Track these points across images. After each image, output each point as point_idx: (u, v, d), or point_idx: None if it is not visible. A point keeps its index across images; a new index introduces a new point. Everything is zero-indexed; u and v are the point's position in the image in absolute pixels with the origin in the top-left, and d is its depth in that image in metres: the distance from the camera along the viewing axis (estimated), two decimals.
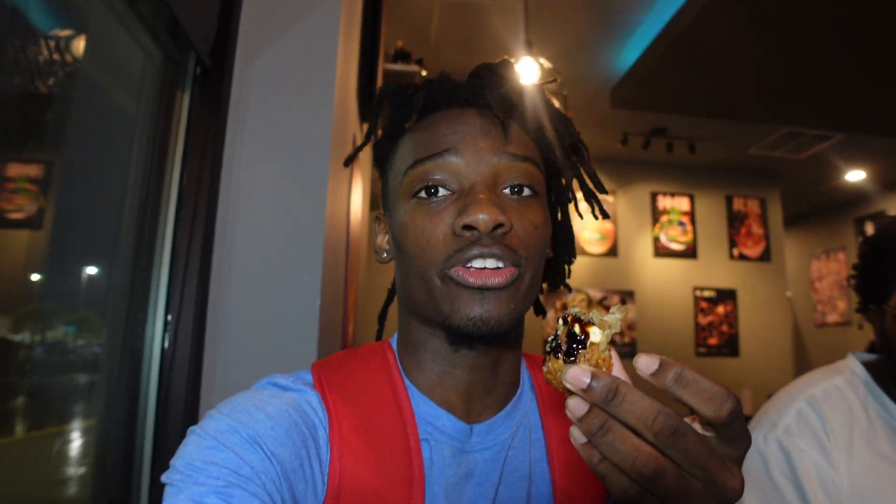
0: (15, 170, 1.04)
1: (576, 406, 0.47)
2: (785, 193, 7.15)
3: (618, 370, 0.51)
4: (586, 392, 0.46)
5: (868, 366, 1.21)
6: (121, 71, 1.30)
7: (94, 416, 1.23)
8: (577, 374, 0.46)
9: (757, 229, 6.96)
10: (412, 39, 4.31)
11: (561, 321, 0.53)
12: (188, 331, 1.31)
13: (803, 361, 7.31)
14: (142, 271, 1.30)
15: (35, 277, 1.11)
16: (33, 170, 1.07)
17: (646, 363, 0.46)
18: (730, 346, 6.57)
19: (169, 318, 1.31)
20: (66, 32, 1.08)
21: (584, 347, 0.50)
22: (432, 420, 0.71)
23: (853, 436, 1.12)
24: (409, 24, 4.30)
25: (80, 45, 1.13)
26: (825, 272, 7.99)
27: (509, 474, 0.73)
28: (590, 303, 6.40)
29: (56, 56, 1.03)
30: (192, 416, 1.29)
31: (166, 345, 1.31)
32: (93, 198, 1.25)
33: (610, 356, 0.51)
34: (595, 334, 0.50)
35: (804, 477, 1.10)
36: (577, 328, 0.51)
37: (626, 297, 6.51)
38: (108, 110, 1.28)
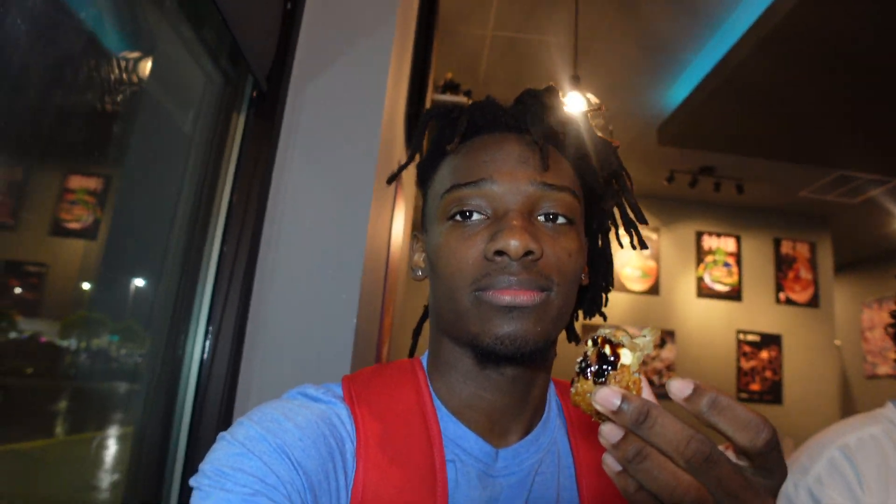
0: (76, 182, 1.10)
1: (610, 432, 0.45)
2: (836, 238, 6.93)
3: (647, 394, 0.50)
4: (616, 414, 0.45)
5: None
6: (183, 92, 1.37)
7: (131, 423, 1.26)
8: (607, 396, 0.45)
9: (805, 274, 6.75)
10: (462, 72, 4.39)
11: (590, 342, 0.52)
12: (227, 343, 1.35)
13: (850, 413, 6.96)
14: (187, 284, 1.34)
15: (86, 286, 1.15)
16: (93, 182, 1.12)
17: (679, 387, 0.45)
18: (773, 393, 6.34)
19: (210, 330, 1.35)
20: (134, 54, 1.14)
21: (615, 369, 0.49)
22: (459, 441, 0.71)
23: (889, 488, 1.08)
24: (460, 56, 4.38)
25: (146, 66, 1.19)
26: (877, 322, 7.68)
27: (535, 501, 0.72)
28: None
29: (124, 76, 1.09)
30: (225, 425, 1.32)
31: (205, 356, 1.34)
32: (146, 211, 1.31)
33: (640, 379, 0.50)
34: (626, 356, 0.50)
35: None
36: (607, 349, 0.50)
37: (667, 336, 6.37)
38: (168, 129, 1.35)
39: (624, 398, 0.45)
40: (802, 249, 6.84)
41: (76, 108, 1.00)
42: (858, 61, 3.57)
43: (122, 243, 1.23)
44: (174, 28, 1.26)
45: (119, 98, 1.10)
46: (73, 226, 1.10)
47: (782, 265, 6.75)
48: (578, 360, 0.52)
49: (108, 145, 1.14)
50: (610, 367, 0.50)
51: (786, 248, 6.82)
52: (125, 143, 1.18)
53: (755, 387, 6.33)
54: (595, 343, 0.52)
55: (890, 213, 6.39)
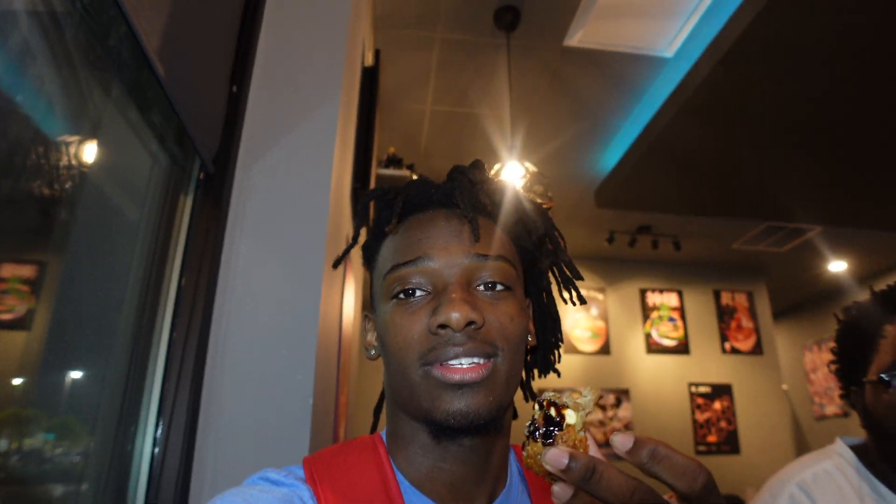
0: (8, 270, 1.05)
1: (562, 491, 0.48)
2: (772, 286, 7.25)
3: (594, 451, 0.53)
4: (565, 472, 0.47)
5: (855, 449, 1.23)
6: (128, 175, 1.35)
7: None
8: (556, 456, 0.48)
9: (747, 322, 6.99)
10: (404, 146, 4.51)
11: (537, 406, 0.55)
12: (180, 432, 1.28)
13: (803, 454, 7.09)
14: (136, 372, 1.28)
15: (18, 381, 1.09)
16: (27, 270, 1.07)
17: (621, 441, 0.48)
18: (730, 443, 6.42)
19: (161, 420, 1.29)
20: (76, 138, 1.12)
21: (561, 429, 0.52)
22: None
23: None
24: (402, 131, 4.50)
25: (90, 149, 1.17)
26: (818, 363, 7.96)
27: None
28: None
29: (65, 160, 1.07)
30: None
31: (157, 448, 1.27)
32: (89, 298, 1.26)
33: (586, 437, 0.53)
34: (570, 416, 0.53)
35: None
36: (552, 411, 0.53)
37: (622, 395, 6.41)
38: (113, 212, 1.32)
39: (571, 457, 0.48)
40: (741, 299, 7.10)
41: (11, 193, 0.97)
42: (771, 119, 3.85)
43: (62, 333, 1.17)
44: (120, 111, 1.25)
45: (58, 183, 1.07)
46: (5, 316, 1.04)
47: (724, 316, 6.98)
48: (527, 424, 0.55)
49: (47, 231, 1.10)
50: (556, 428, 0.53)
51: (725, 298, 7.07)
52: (66, 229, 1.15)
53: (712, 438, 6.39)
54: (541, 406, 0.55)
55: (817, 257, 6.75)
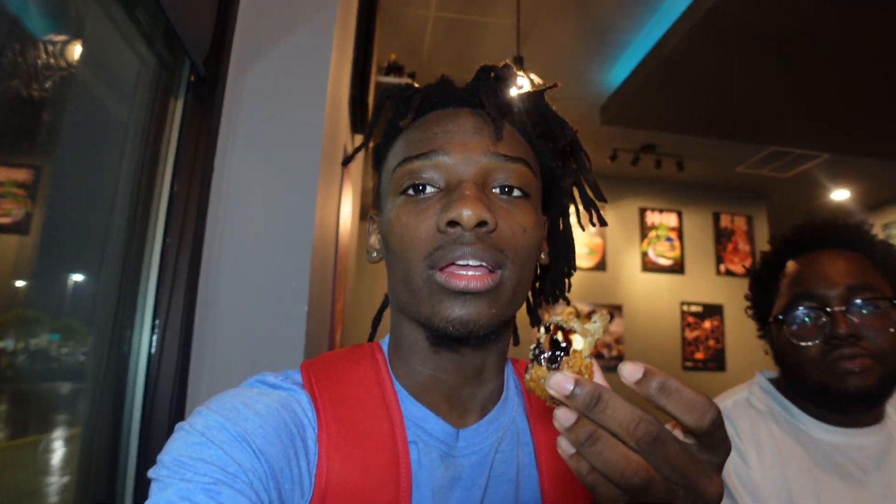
0: (2, 174, 1.04)
1: (564, 416, 0.47)
2: (772, 211, 7.22)
3: (599, 378, 0.51)
4: (569, 399, 0.46)
5: (772, 381, 1.33)
6: (115, 76, 1.31)
7: (79, 423, 1.22)
8: (560, 381, 0.47)
9: (744, 246, 7.02)
10: (405, 53, 4.35)
11: (543, 329, 0.54)
12: (175, 336, 1.31)
13: None
14: (130, 277, 1.30)
15: (20, 283, 1.10)
16: (22, 174, 1.06)
17: (630, 371, 0.46)
18: (716, 361, 6.60)
19: (156, 323, 1.31)
20: (62, 37, 1.08)
21: (567, 354, 0.51)
22: (421, 422, 0.71)
23: (761, 437, 1.20)
24: (403, 38, 4.34)
25: (75, 49, 1.13)
26: None
27: (496, 479, 0.73)
28: (578, 315, 6.40)
29: (51, 60, 1.04)
30: (178, 419, 1.29)
31: (153, 350, 1.31)
32: (82, 203, 1.25)
33: (592, 364, 0.51)
34: (577, 342, 0.51)
35: (726, 475, 1.16)
36: (559, 335, 0.52)
37: (615, 310, 6.53)
38: (101, 115, 1.29)
39: (577, 383, 0.46)
40: (740, 222, 7.10)
41: (0, 96, 0.94)
42: (786, 42, 3.70)
43: (58, 237, 1.17)
44: (104, 9, 1.20)
45: (47, 84, 1.04)
46: (2, 220, 1.04)
47: (721, 238, 6.99)
48: (532, 346, 0.54)
49: (38, 134, 1.08)
50: (563, 353, 0.51)
51: (724, 221, 7.06)
52: (56, 132, 1.13)
53: (699, 355, 6.56)
54: (547, 330, 0.53)
55: (820, 185, 6.69)
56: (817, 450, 1.17)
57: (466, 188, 0.66)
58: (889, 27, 3.46)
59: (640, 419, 0.45)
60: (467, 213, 0.63)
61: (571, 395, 0.46)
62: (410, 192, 0.70)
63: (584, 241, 6.62)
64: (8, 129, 1.00)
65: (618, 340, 6.44)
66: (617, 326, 6.52)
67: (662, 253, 6.83)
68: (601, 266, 6.68)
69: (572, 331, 0.52)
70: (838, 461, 1.15)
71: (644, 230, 6.88)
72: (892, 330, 1.11)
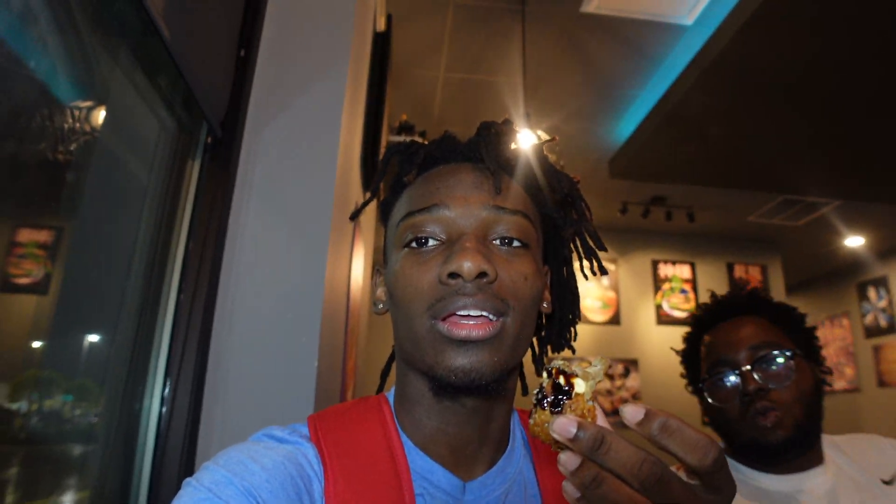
0: (25, 235, 1.07)
1: (568, 460, 0.47)
2: (786, 260, 7.17)
3: (602, 421, 0.52)
4: (573, 442, 0.47)
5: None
6: (137, 140, 1.36)
7: (88, 486, 1.21)
8: (563, 424, 0.47)
9: None
10: (416, 113, 4.47)
11: (545, 374, 0.54)
12: (186, 393, 1.31)
13: None
14: (144, 335, 1.31)
15: (37, 344, 1.11)
16: (43, 235, 1.09)
17: (632, 413, 0.47)
18: None
19: (168, 381, 1.32)
20: (86, 103, 1.13)
21: (570, 398, 0.51)
22: (427, 475, 0.71)
23: None
24: (414, 98, 4.46)
25: (99, 114, 1.18)
26: (829, 339, 7.91)
27: None
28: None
29: (76, 125, 1.08)
30: (187, 476, 1.28)
31: (164, 408, 1.31)
32: (100, 262, 1.28)
33: (595, 407, 0.52)
34: (579, 385, 0.52)
35: None
36: (561, 379, 0.52)
37: (630, 365, 6.43)
38: (122, 177, 1.33)
39: (580, 426, 0.47)
40: (755, 272, 7.04)
41: (26, 158, 0.98)
42: (793, 89, 3.76)
43: (75, 297, 1.19)
44: (128, 76, 1.25)
45: (71, 147, 1.08)
46: (23, 281, 1.06)
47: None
48: (535, 391, 0.55)
49: (60, 196, 1.11)
50: (565, 397, 0.52)
51: (739, 271, 7.01)
52: (78, 194, 1.16)
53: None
54: (549, 374, 0.54)
55: (834, 232, 6.66)
56: (772, 502, 1.23)
57: (467, 241, 0.68)
58: (894, 70, 3.51)
59: (643, 460, 0.46)
60: (467, 265, 0.65)
61: (575, 439, 0.47)
62: (413, 244, 0.72)
63: (598, 295, 6.58)
64: (34, 191, 1.04)
65: (635, 395, 6.32)
66: (633, 381, 6.41)
67: (677, 305, 6.77)
68: (615, 320, 6.62)
69: (574, 374, 0.52)
70: None
71: (657, 282, 6.85)
72: (794, 378, 1.22)
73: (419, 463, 0.71)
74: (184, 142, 1.45)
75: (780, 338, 1.28)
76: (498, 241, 0.71)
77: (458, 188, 0.73)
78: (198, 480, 0.61)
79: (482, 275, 0.66)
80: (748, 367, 1.24)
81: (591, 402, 0.52)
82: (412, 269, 0.70)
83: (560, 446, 0.49)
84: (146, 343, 1.31)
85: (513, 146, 0.80)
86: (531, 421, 0.53)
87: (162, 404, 1.31)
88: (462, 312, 0.66)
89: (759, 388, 1.21)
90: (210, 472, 0.62)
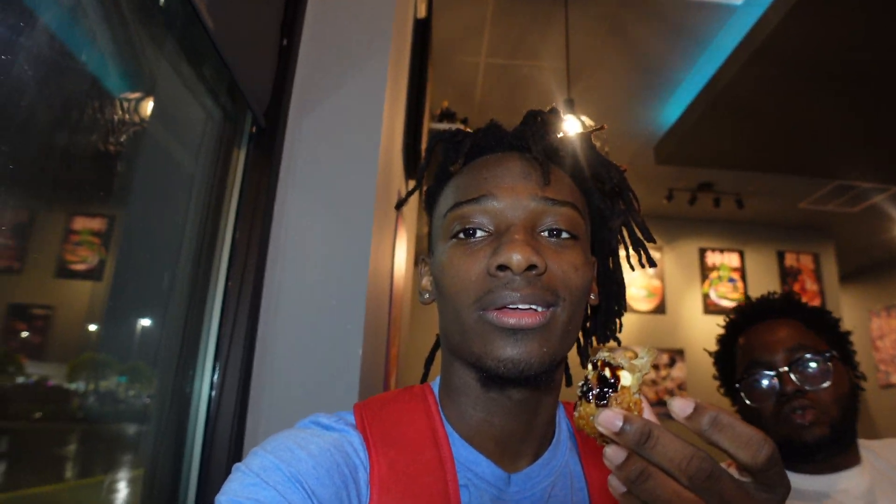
0: (81, 223, 1.10)
1: (614, 454, 0.46)
2: (839, 248, 6.91)
3: (648, 414, 0.51)
4: (619, 435, 0.45)
5: None
6: (184, 130, 1.39)
7: (142, 464, 1.25)
8: (609, 418, 0.46)
9: (811, 285, 6.72)
10: (458, 100, 4.45)
11: (590, 366, 0.53)
12: (235, 378, 1.34)
13: (866, 424, 6.89)
14: (193, 321, 1.34)
15: (92, 327, 1.15)
16: (97, 223, 1.12)
17: (680, 406, 0.45)
18: None
19: (217, 365, 1.35)
20: (135, 94, 1.16)
21: (616, 391, 0.50)
22: (472, 466, 0.70)
23: None
24: (455, 85, 4.44)
25: (148, 106, 1.21)
26: (886, 330, 7.61)
27: None
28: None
29: (126, 117, 1.11)
30: (236, 460, 1.30)
31: (213, 392, 1.34)
32: (151, 250, 1.31)
33: (641, 400, 0.51)
34: (626, 378, 0.51)
35: None
36: (607, 372, 0.51)
37: (676, 355, 6.32)
38: (170, 167, 1.37)
39: (626, 419, 0.46)
40: (806, 261, 6.82)
41: (79, 149, 1.01)
42: (847, 71, 3.61)
43: (127, 283, 1.23)
44: (174, 67, 1.28)
45: (121, 138, 1.11)
46: (79, 267, 1.10)
47: (787, 278, 6.72)
48: (580, 384, 0.53)
49: (112, 185, 1.14)
50: (611, 390, 0.50)
51: (790, 260, 6.80)
52: (128, 183, 1.20)
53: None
54: (595, 367, 0.53)
55: (891, 219, 6.39)
56: (808, 502, 1.23)
57: (515, 232, 0.67)
58: None
59: (692, 455, 0.44)
60: (517, 258, 0.64)
61: (621, 432, 0.45)
62: (461, 235, 0.71)
63: (643, 283, 6.47)
64: (86, 181, 1.07)
65: (680, 386, 6.21)
66: (679, 372, 6.29)
67: (725, 294, 6.61)
68: (661, 309, 6.50)
69: (620, 367, 0.51)
70: None
71: (705, 271, 6.69)
72: (831, 380, 1.23)
73: (464, 454, 0.71)
74: (229, 131, 1.48)
75: (815, 341, 1.30)
76: (546, 233, 0.70)
77: (506, 178, 0.72)
78: (247, 465, 0.62)
79: (531, 267, 0.65)
80: (785, 368, 1.26)
81: (637, 395, 0.50)
82: (460, 260, 0.69)
83: (606, 440, 0.48)
84: (196, 328, 1.35)
85: (559, 135, 0.79)
86: (576, 414, 0.53)
87: (211, 388, 1.35)
88: (511, 307, 0.65)
89: (796, 390, 1.23)
90: (259, 457, 0.63)
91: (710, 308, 6.54)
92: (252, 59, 1.39)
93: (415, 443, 0.70)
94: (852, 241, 7.00)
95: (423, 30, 2.91)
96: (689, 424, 0.45)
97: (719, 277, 6.67)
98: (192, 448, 1.32)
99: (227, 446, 1.30)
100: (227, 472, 1.28)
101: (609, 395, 0.50)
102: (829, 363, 1.25)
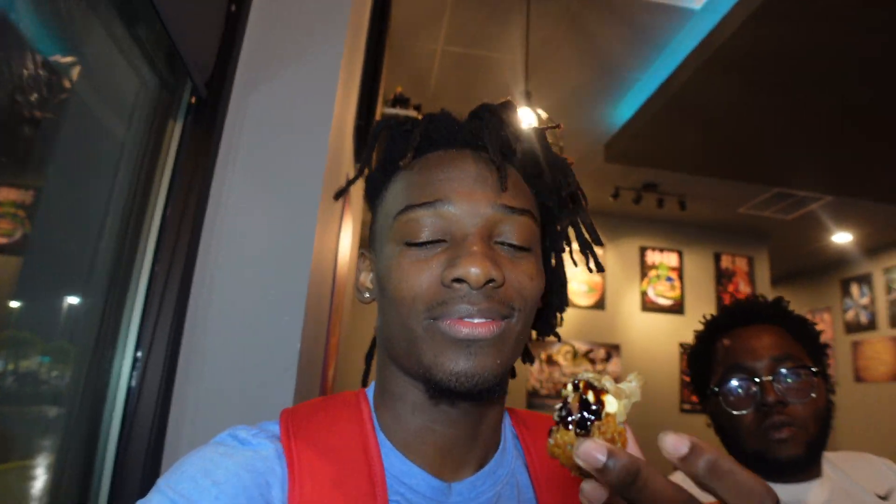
0: (2, 194, 1.01)
1: (593, 492, 0.42)
2: (773, 252, 7.22)
3: (633, 448, 0.46)
4: (601, 472, 0.40)
5: None
6: (114, 96, 1.27)
7: (52, 453, 1.15)
8: (590, 450, 0.41)
9: (744, 287, 6.98)
10: (412, 86, 4.36)
11: (571, 387, 0.47)
12: (158, 369, 1.24)
13: None
14: (114, 304, 1.23)
15: (14, 304, 1.05)
16: (19, 194, 1.03)
17: (674, 445, 0.40)
18: None
19: (139, 355, 1.25)
20: (64, 58, 1.06)
21: (599, 418, 0.44)
22: (404, 478, 0.66)
23: None
24: (410, 70, 4.36)
25: (75, 67, 1.10)
26: None
27: None
28: (575, 355, 6.35)
29: (50, 78, 1.01)
30: (154, 458, 1.21)
31: (133, 383, 1.24)
32: (74, 223, 1.20)
33: (625, 430, 0.45)
34: (611, 404, 0.45)
35: None
36: (590, 396, 0.45)
37: (612, 350, 6.46)
38: (99, 136, 1.25)
39: (610, 454, 0.40)
40: (741, 263, 7.08)
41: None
42: (796, 82, 3.71)
43: (49, 258, 1.13)
44: (106, 27, 1.16)
45: (46, 103, 1.01)
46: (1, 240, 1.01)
47: (722, 279, 6.96)
48: (558, 406, 0.47)
49: (34, 154, 1.04)
50: (594, 417, 0.45)
51: (725, 262, 7.04)
52: (52, 152, 1.09)
53: (696, 398, 6.46)
54: (576, 388, 0.47)
55: (823, 227, 6.69)
56: None
57: (473, 244, 0.64)
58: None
59: (686, 502, 0.40)
60: (475, 272, 0.61)
61: (604, 469, 0.40)
62: (413, 241, 0.66)
63: (583, 278, 6.59)
64: (8, 149, 0.97)
65: (616, 380, 6.34)
66: (614, 366, 6.45)
67: (662, 293, 6.79)
68: (600, 305, 6.64)
69: (605, 391, 0.45)
70: None
71: (644, 269, 6.86)
72: (813, 395, 1.21)
73: (397, 466, 0.67)
74: (165, 101, 1.36)
75: (800, 352, 1.27)
76: (502, 243, 0.67)
77: (462, 182, 0.68)
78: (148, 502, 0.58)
79: (490, 281, 0.62)
80: (769, 377, 1.22)
81: (622, 425, 0.45)
82: (411, 266, 0.65)
83: (583, 473, 0.43)
84: (116, 313, 1.24)
85: (516, 133, 0.75)
86: (550, 441, 0.46)
87: (131, 379, 1.24)
88: (466, 320, 0.62)
89: (778, 401, 1.20)
90: (161, 493, 0.59)
91: (647, 305, 6.72)
92: (194, 22, 1.27)
93: (343, 455, 0.65)
94: (785, 247, 7.32)
95: (381, 11, 2.82)
96: (683, 466, 0.41)
97: (658, 276, 6.85)
98: (105, 442, 1.21)
99: (146, 446, 1.20)
100: (144, 473, 1.19)
101: (591, 423, 0.44)
102: (814, 378, 1.23)
